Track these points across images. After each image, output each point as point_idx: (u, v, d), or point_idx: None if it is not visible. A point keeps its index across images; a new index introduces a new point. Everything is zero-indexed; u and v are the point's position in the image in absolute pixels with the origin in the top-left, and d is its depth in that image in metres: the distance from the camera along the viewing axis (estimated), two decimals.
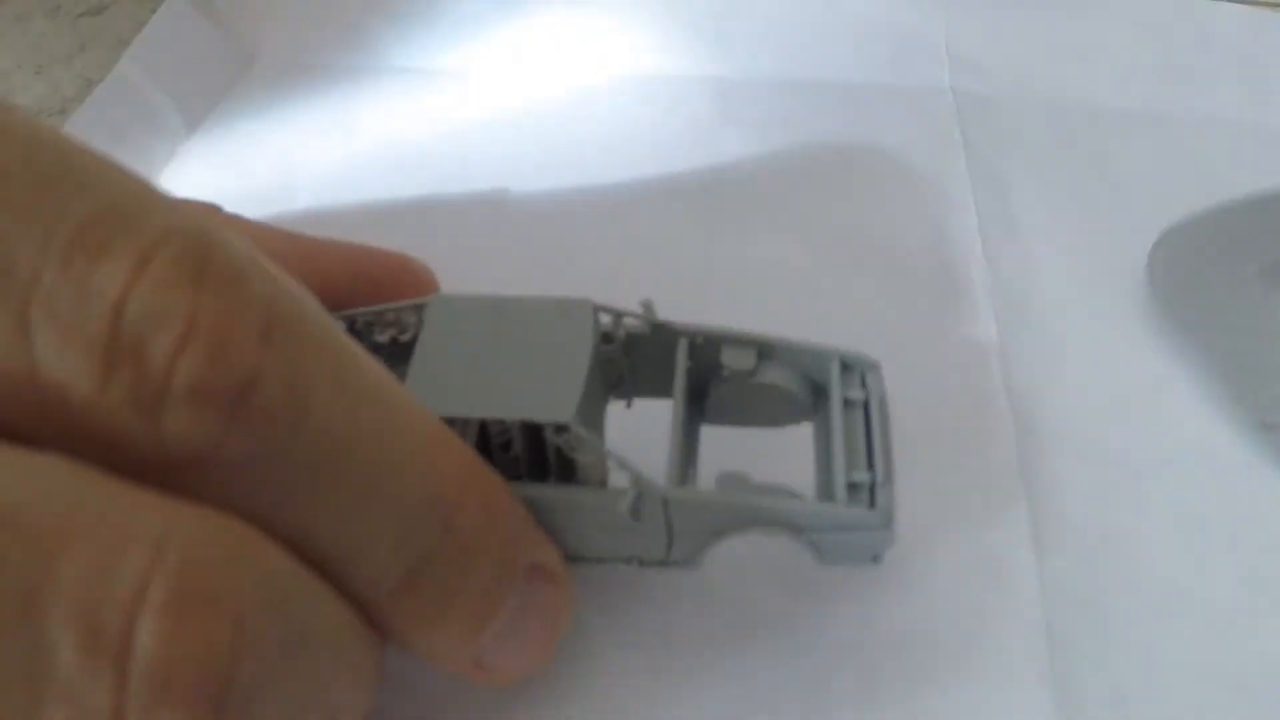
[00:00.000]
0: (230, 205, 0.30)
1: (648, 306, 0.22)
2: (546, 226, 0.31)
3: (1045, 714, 0.21)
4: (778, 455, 0.22)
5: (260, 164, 0.33)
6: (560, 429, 0.19)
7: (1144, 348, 0.28)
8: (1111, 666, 0.22)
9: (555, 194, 0.32)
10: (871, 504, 0.20)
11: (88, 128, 0.33)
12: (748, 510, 0.20)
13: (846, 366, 0.22)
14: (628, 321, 0.22)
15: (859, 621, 0.22)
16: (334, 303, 0.18)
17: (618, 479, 0.20)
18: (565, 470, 0.20)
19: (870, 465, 0.21)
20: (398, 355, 0.21)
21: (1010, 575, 0.23)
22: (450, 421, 0.19)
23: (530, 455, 0.20)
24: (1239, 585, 0.23)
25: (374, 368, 0.17)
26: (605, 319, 0.22)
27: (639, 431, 0.21)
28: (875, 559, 0.21)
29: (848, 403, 0.22)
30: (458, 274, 0.25)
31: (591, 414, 0.20)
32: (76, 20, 0.40)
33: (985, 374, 0.27)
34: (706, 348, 0.22)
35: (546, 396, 0.19)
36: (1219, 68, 0.35)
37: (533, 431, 0.20)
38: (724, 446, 0.22)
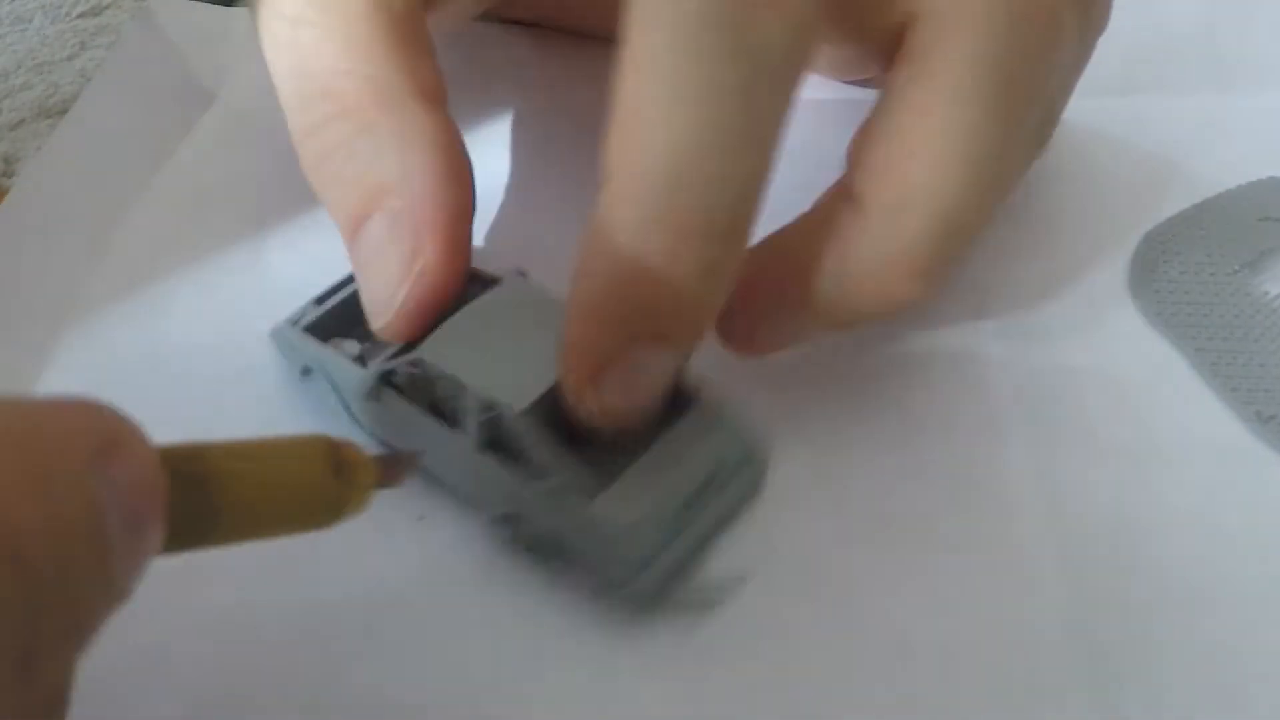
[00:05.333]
0: (201, 245, 0.31)
1: None
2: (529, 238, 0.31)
3: (1085, 714, 0.21)
4: None
5: (227, 203, 0.33)
6: (501, 412, 0.22)
7: (1139, 347, 0.28)
8: (1142, 661, 0.22)
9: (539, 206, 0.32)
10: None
11: (55, 163, 0.32)
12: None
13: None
14: None
15: (889, 636, 0.23)
16: None
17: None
18: (513, 455, 0.23)
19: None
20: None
21: (1036, 581, 0.23)
22: (441, 376, 0.23)
23: (486, 427, 0.23)
24: (1257, 574, 0.24)
25: None
26: None
27: None
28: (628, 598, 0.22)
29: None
30: None
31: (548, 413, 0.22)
32: (76, 20, 0.40)
33: (995, 385, 0.27)
34: None
35: (515, 382, 0.22)
36: (1184, 58, 0.36)
37: (488, 406, 0.22)
38: None
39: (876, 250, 0.23)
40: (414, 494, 0.25)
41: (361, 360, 0.25)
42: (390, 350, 0.25)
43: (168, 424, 0.27)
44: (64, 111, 0.36)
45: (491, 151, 0.33)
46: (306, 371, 0.26)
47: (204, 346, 0.28)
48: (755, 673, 0.22)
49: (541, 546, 0.24)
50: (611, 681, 0.22)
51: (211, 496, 0.17)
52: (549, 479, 0.22)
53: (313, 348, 0.26)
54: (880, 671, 0.22)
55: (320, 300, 0.26)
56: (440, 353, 0.23)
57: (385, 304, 0.24)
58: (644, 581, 0.22)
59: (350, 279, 0.26)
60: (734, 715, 0.22)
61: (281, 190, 0.32)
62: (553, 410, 0.22)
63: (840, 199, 0.24)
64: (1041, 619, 0.23)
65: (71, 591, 0.13)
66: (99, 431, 0.14)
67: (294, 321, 0.26)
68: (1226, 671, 0.22)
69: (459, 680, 0.22)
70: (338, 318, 0.26)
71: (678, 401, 0.23)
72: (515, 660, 0.23)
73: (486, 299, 0.24)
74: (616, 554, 0.22)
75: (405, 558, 0.24)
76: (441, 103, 0.25)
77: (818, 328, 0.24)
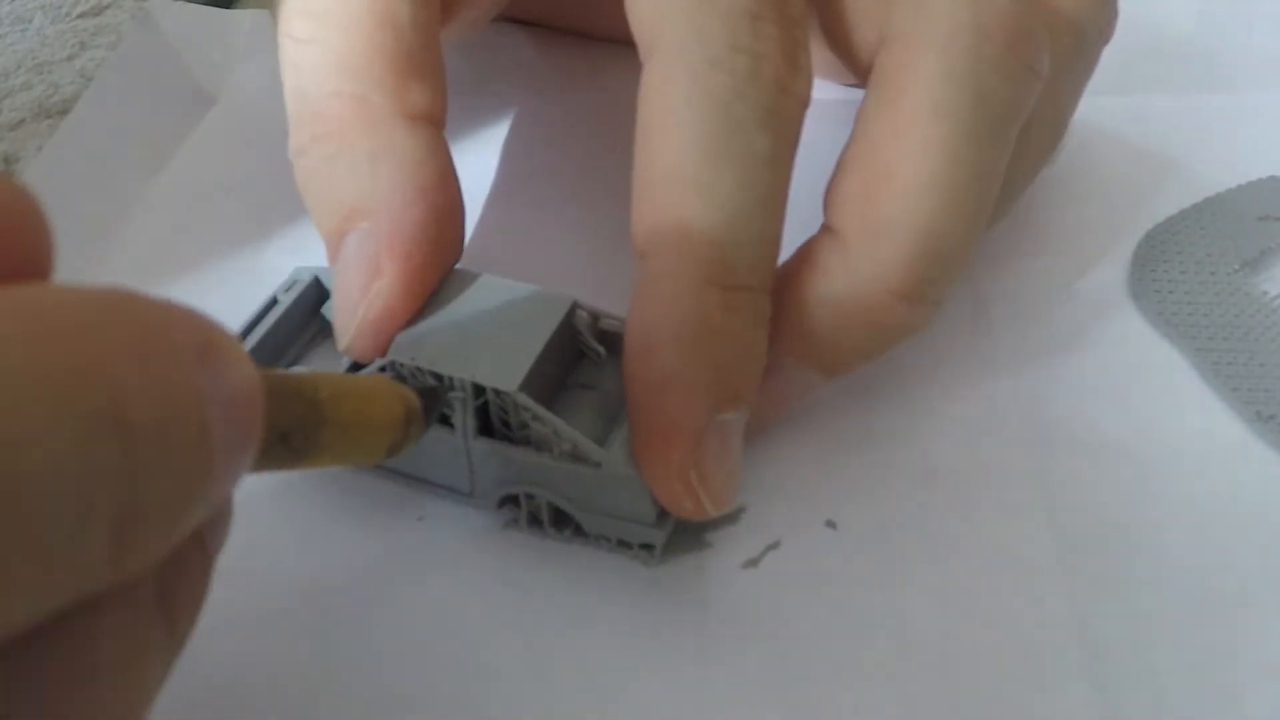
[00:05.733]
0: (200, 254, 0.31)
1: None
2: (528, 236, 0.31)
3: (1084, 713, 0.21)
4: None
5: (228, 204, 0.33)
6: (500, 393, 0.22)
7: (1139, 347, 0.28)
8: (1147, 661, 0.22)
9: (534, 202, 0.32)
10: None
11: (56, 165, 0.32)
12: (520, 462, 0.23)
13: None
14: (606, 321, 0.25)
15: (892, 635, 0.23)
16: None
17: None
18: (506, 429, 0.23)
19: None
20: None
21: (1037, 578, 0.24)
22: (416, 371, 0.23)
23: (478, 414, 0.23)
24: (1258, 573, 0.24)
25: None
26: (584, 315, 0.24)
27: None
28: (649, 550, 0.23)
29: None
30: None
31: (537, 389, 0.23)
32: (76, 20, 0.40)
33: (995, 385, 0.27)
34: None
35: (498, 365, 0.22)
36: (1184, 58, 0.36)
37: (479, 392, 0.23)
38: None
39: (858, 276, 0.23)
40: (414, 494, 0.25)
41: None
42: (339, 367, 0.25)
43: None
44: (64, 111, 0.36)
45: (491, 151, 0.33)
46: None
47: None
48: (755, 672, 0.22)
49: (552, 519, 0.24)
50: (612, 680, 0.22)
51: (321, 420, 0.17)
52: (562, 444, 0.22)
53: None
54: (881, 671, 0.22)
55: (241, 337, 0.26)
56: (410, 353, 0.23)
57: (346, 323, 0.24)
58: (667, 524, 0.23)
59: (264, 311, 0.26)
60: (734, 714, 0.22)
61: (281, 191, 0.32)
62: (537, 385, 0.23)
63: (821, 238, 0.24)
64: (1041, 619, 0.23)
65: (170, 469, 0.13)
66: (206, 332, 0.14)
67: None
68: (1226, 671, 0.22)
69: (459, 679, 0.22)
70: (266, 349, 0.26)
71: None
72: (515, 659, 0.23)
73: (436, 294, 0.24)
74: (640, 501, 0.23)
75: (405, 557, 0.24)
76: (432, 123, 0.25)
77: (817, 371, 0.24)
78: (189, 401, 0.13)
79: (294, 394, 0.17)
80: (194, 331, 0.14)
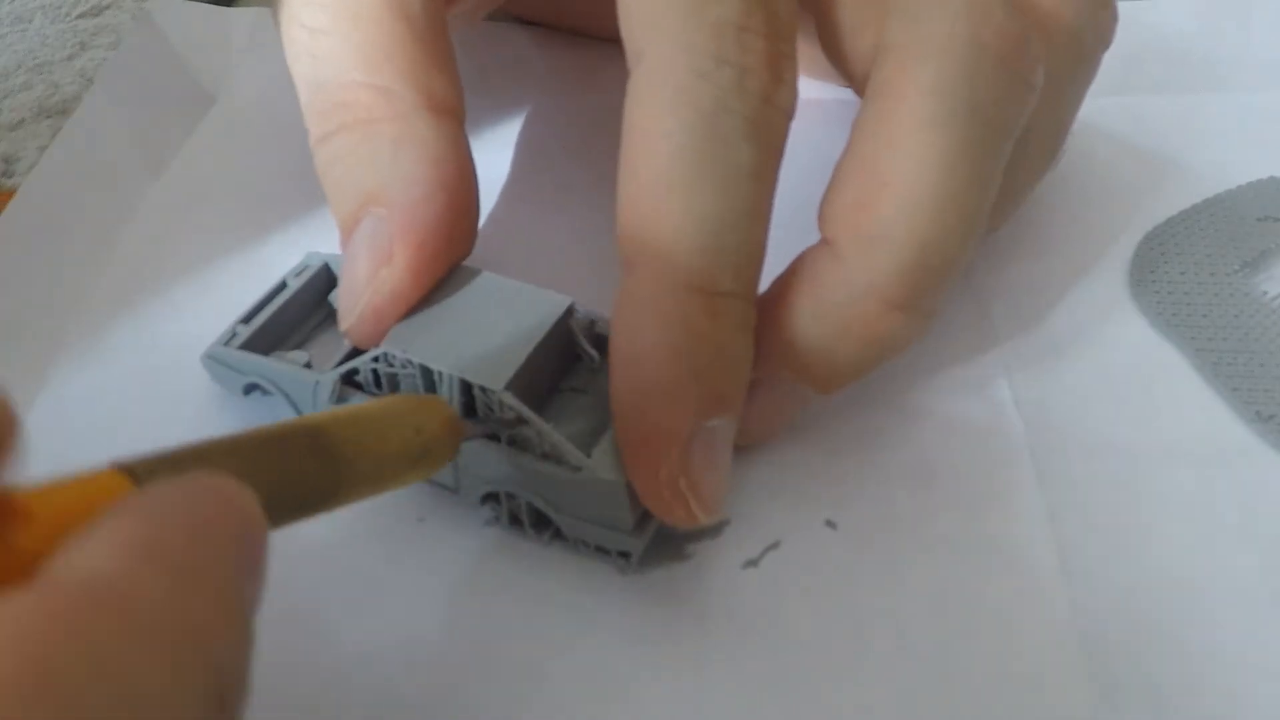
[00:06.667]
0: (202, 253, 0.31)
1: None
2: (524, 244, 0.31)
3: (1084, 713, 0.21)
4: None
5: (229, 203, 0.33)
6: (486, 391, 0.22)
7: (1139, 347, 0.28)
8: (1145, 661, 0.22)
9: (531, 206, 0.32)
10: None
11: (59, 166, 0.32)
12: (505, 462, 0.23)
13: None
14: (603, 325, 0.25)
15: (892, 635, 0.23)
16: None
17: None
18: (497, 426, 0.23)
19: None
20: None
21: (1036, 578, 0.24)
22: (407, 364, 0.23)
23: (466, 410, 0.23)
24: (1258, 573, 0.24)
25: None
26: (581, 318, 0.24)
27: None
28: (625, 558, 0.23)
29: None
30: None
31: (526, 389, 0.23)
32: (76, 20, 0.40)
33: (995, 386, 0.27)
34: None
35: (487, 363, 0.23)
36: (1184, 58, 0.36)
37: (466, 388, 0.23)
38: None
39: (853, 287, 0.23)
40: (414, 496, 0.25)
41: (310, 368, 0.25)
42: (340, 354, 0.25)
43: (172, 422, 0.27)
44: (64, 112, 0.36)
45: (491, 149, 0.34)
46: (250, 389, 0.26)
47: (206, 346, 0.28)
48: (755, 673, 0.22)
49: (532, 520, 0.24)
50: (611, 681, 0.22)
51: (338, 470, 0.18)
52: (545, 447, 0.22)
53: (258, 363, 0.25)
54: (881, 671, 0.22)
55: (247, 319, 0.26)
56: (403, 345, 0.23)
57: (350, 307, 0.24)
58: (644, 533, 0.23)
59: (273, 294, 0.26)
60: (734, 715, 0.22)
61: (282, 190, 0.32)
62: (526, 385, 0.23)
63: (815, 249, 0.24)
64: (1041, 619, 0.23)
65: (242, 677, 0.14)
66: (235, 518, 0.15)
67: (226, 342, 0.26)
68: (1227, 671, 0.22)
69: (460, 681, 0.22)
70: (271, 332, 0.26)
71: None
72: (515, 661, 0.23)
73: (435, 289, 0.24)
74: (619, 508, 0.22)
75: (406, 559, 0.24)
76: (451, 114, 0.25)
77: (811, 386, 0.24)
78: (246, 614, 0.15)
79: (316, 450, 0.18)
80: (229, 523, 0.15)
